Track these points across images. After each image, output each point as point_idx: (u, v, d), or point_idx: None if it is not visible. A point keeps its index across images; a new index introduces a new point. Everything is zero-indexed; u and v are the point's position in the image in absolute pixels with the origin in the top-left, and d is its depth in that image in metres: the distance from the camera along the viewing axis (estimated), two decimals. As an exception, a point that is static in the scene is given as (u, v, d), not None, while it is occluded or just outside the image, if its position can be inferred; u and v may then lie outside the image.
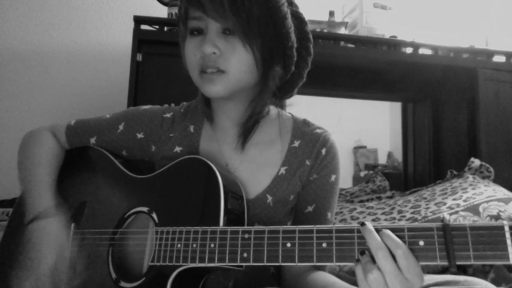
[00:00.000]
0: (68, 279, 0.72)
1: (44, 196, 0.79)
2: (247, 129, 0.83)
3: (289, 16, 0.76)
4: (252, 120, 0.82)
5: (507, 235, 0.48)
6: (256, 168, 0.83)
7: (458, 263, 0.50)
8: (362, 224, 0.55)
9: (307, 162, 0.83)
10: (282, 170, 0.83)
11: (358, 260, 0.54)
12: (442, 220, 0.52)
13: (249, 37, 0.72)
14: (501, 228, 0.49)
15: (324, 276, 0.77)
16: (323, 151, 0.84)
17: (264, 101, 0.81)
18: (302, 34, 0.81)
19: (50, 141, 0.88)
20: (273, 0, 0.73)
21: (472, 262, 0.49)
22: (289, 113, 0.92)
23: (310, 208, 0.83)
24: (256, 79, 0.78)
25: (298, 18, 0.81)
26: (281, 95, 0.88)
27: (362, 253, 0.54)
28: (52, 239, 0.73)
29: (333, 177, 0.84)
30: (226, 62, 0.73)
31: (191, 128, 0.88)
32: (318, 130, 0.87)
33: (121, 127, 0.88)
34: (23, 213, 0.78)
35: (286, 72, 0.82)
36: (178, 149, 0.86)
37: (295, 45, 0.79)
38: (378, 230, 0.54)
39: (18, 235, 0.82)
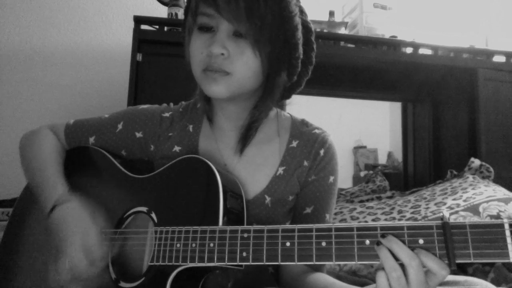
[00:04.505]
0: (99, 255, 0.71)
1: (57, 184, 0.80)
2: (248, 135, 0.82)
3: (300, 27, 0.76)
4: (254, 126, 0.82)
5: (507, 233, 0.48)
6: (254, 168, 0.83)
7: (458, 261, 0.49)
8: (383, 236, 0.53)
9: (305, 163, 0.83)
10: (280, 170, 0.83)
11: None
12: (442, 218, 0.51)
13: (260, 43, 0.71)
14: (501, 226, 0.48)
15: (323, 277, 0.76)
16: (322, 152, 0.84)
17: (268, 107, 0.81)
18: (307, 43, 0.81)
19: (53, 138, 0.89)
20: (287, 10, 0.72)
21: (472, 260, 0.49)
22: (288, 113, 0.92)
23: (308, 210, 0.83)
24: (258, 84, 0.78)
25: (306, 28, 0.81)
26: (279, 100, 0.88)
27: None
28: (75, 219, 0.73)
29: (331, 179, 0.84)
30: (232, 65, 0.72)
31: (190, 128, 0.88)
32: (316, 131, 0.87)
33: (120, 126, 0.88)
34: (40, 204, 0.79)
35: (289, 80, 0.82)
36: (177, 148, 0.85)
37: (301, 57, 0.79)
38: (384, 236, 0.54)
39: (35, 224, 0.85)
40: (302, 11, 0.81)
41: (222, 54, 0.71)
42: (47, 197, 0.78)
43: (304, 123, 0.89)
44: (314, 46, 0.84)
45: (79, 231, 0.71)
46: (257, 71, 0.73)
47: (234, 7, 0.68)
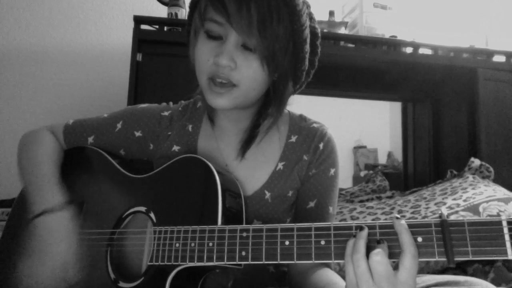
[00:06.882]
0: (75, 274, 0.73)
1: (51, 192, 0.78)
2: (249, 140, 0.83)
3: (309, 39, 0.75)
4: (256, 132, 0.82)
5: (505, 230, 0.48)
6: (254, 164, 0.83)
7: (456, 259, 0.50)
8: (397, 218, 0.54)
9: (305, 157, 0.83)
10: (280, 166, 0.83)
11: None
12: (440, 216, 0.51)
13: (269, 58, 0.69)
14: (499, 223, 0.49)
15: (327, 275, 0.76)
16: (321, 145, 0.84)
17: (274, 116, 0.81)
18: (312, 47, 0.80)
19: (51, 140, 0.88)
20: (299, 23, 0.71)
21: (470, 257, 0.49)
22: (286, 109, 0.92)
23: (311, 204, 0.83)
24: (262, 93, 0.77)
25: (313, 33, 0.80)
26: None
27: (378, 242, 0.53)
28: (62, 232, 0.73)
29: (332, 171, 0.84)
30: (239, 77, 0.70)
31: (189, 127, 0.88)
32: (315, 125, 0.87)
33: (119, 125, 0.88)
34: (27, 207, 0.78)
35: (293, 90, 0.82)
36: (176, 148, 0.85)
37: (306, 69, 0.79)
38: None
39: (21, 228, 0.82)
40: (311, 18, 0.79)
41: (229, 65, 0.69)
42: (37, 201, 0.77)
43: (302, 118, 0.89)
44: (319, 51, 0.83)
45: (63, 247, 0.72)
46: (263, 83, 0.73)
47: (245, 18, 0.65)
